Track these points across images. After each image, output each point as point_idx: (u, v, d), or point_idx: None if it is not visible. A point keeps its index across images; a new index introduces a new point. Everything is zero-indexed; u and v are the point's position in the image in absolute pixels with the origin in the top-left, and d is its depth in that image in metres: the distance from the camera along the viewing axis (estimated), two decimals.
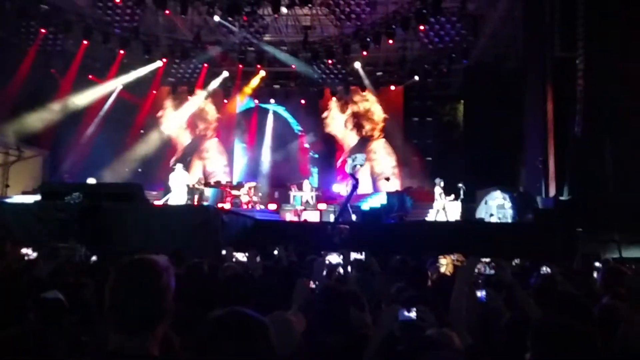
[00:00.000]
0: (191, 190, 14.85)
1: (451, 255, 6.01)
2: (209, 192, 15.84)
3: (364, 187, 18.14)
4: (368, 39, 15.77)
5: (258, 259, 4.70)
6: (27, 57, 15.56)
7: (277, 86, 19.65)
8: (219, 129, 20.33)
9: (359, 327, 2.63)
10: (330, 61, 17.59)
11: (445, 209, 13.94)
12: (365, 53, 16.45)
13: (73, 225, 7.97)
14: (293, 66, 18.13)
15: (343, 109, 19.72)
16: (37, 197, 10.23)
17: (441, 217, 13.92)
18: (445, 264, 5.93)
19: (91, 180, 13.19)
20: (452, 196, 13.90)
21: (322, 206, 15.35)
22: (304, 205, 15.39)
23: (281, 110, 20.15)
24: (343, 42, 16.36)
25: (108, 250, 6.09)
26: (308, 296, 2.65)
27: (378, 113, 19.65)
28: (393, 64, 18.51)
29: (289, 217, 14.82)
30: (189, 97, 19.62)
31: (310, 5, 14.30)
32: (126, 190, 10.32)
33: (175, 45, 17.52)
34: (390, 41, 15.54)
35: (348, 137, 19.74)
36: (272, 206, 15.90)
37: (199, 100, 19.64)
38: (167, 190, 14.84)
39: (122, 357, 1.41)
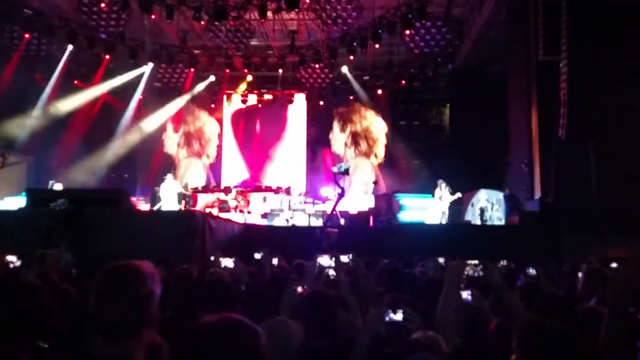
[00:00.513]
0: (180, 197, 14.80)
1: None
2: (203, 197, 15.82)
3: (354, 191, 18.19)
4: (355, 44, 15.84)
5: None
6: (10, 62, 15.38)
7: (264, 90, 19.65)
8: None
9: (347, 330, 2.63)
10: (317, 65, 17.64)
11: (449, 209, 13.98)
12: (352, 57, 16.52)
13: (58, 231, 7.88)
14: (280, 71, 18.16)
15: (343, 129, 19.61)
16: (22, 204, 10.11)
17: (439, 218, 13.96)
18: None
19: (57, 186, 13.00)
20: (458, 195, 13.92)
21: (311, 210, 15.36)
22: (293, 209, 15.39)
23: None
24: (330, 46, 16.42)
25: (93, 257, 6.03)
26: (296, 301, 2.66)
27: (377, 130, 19.47)
28: (380, 68, 18.63)
29: (278, 222, 14.79)
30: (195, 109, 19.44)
31: (296, 9, 14.33)
32: (111, 196, 10.25)
33: (161, 49, 17.45)
34: (377, 46, 15.63)
35: (348, 156, 19.52)
36: (260, 211, 15.86)
37: (182, 101, 19.45)
38: (156, 198, 14.77)
39: None
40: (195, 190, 16.53)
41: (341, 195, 12.94)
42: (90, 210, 8.62)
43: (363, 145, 19.51)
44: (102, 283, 1.50)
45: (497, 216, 13.32)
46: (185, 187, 15.65)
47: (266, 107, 20.01)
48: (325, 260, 4.42)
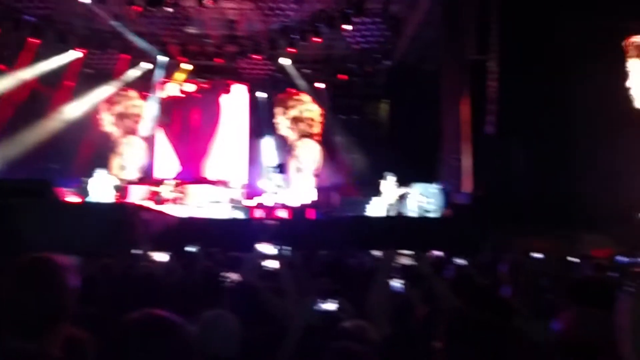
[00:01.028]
0: (114, 189, 14.25)
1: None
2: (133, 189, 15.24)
3: (304, 172, 18.21)
4: (295, 36, 15.82)
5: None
6: None
7: (202, 80, 19.21)
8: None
9: (285, 319, 2.65)
10: (257, 57, 17.47)
11: (396, 202, 14.18)
12: (292, 50, 16.48)
13: None
14: (219, 60, 17.82)
15: (284, 113, 19.64)
16: None
17: (385, 211, 14.20)
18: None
19: None
20: (404, 188, 14.18)
21: (251, 203, 15.25)
22: (232, 201, 15.21)
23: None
24: (270, 38, 16.31)
25: (14, 253, 5.69)
26: (226, 293, 2.64)
27: (314, 111, 19.73)
28: (320, 62, 18.70)
29: (216, 214, 14.56)
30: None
31: None
32: (33, 187, 9.63)
33: (93, 34, 16.65)
34: (317, 39, 15.68)
35: (292, 138, 19.72)
36: (198, 203, 15.53)
37: (110, 89, 18.67)
38: (85, 189, 14.11)
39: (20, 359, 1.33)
40: (128, 182, 15.95)
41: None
42: (9, 202, 8.08)
43: (302, 126, 19.72)
44: (14, 277, 1.42)
45: (431, 209, 13.80)
46: (118, 178, 15.08)
47: (204, 97, 19.58)
48: (265, 248, 4.42)
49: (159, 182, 16.11)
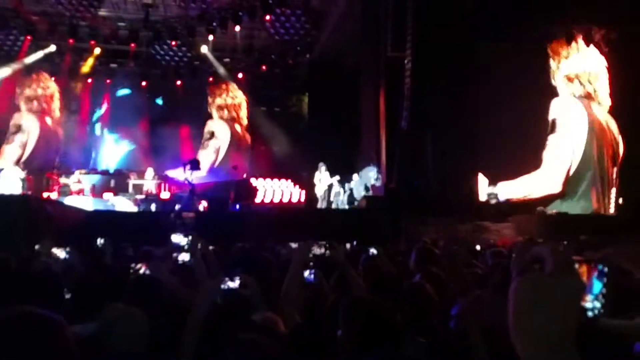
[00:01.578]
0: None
1: None
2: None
3: (211, 175, 17.85)
4: (214, 24, 15.45)
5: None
6: None
7: (114, 65, 18.23)
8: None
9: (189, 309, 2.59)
10: (173, 43, 16.86)
11: (325, 192, 14.22)
12: (211, 37, 16.09)
13: None
14: (132, 45, 17.02)
15: (212, 100, 19.23)
16: None
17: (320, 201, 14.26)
18: None
19: None
20: (336, 178, 14.25)
21: (165, 195, 14.73)
22: (146, 194, 14.63)
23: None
24: (188, 24, 15.80)
25: None
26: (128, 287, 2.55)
27: (239, 98, 19.48)
28: (240, 51, 18.42)
29: (127, 207, 13.94)
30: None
31: None
32: None
33: None
34: (237, 28, 15.41)
35: (216, 125, 19.33)
36: (108, 195, 14.74)
37: (10, 70, 17.23)
38: None
39: None
40: (31, 172, 14.82)
41: (192, 192, 12.52)
42: None
43: (227, 113, 19.49)
44: None
45: (348, 200, 14.13)
46: (18, 167, 13.98)
47: (115, 82, 18.61)
48: (179, 238, 4.29)
49: (66, 173, 15.13)
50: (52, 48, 17.35)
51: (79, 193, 14.47)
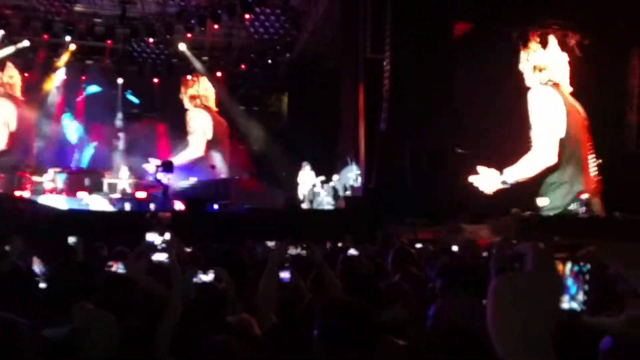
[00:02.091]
0: None
1: None
2: None
3: (190, 172, 17.66)
4: (193, 21, 15.30)
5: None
6: None
7: (89, 62, 17.90)
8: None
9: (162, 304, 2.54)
10: (151, 40, 16.63)
11: (310, 192, 14.15)
12: (189, 35, 15.93)
13: None
14: (109, 42, 16.74)
15: (184, 92, 19.04)
16: None
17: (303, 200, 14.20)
18: None
19: None
20: (321, 178, 14.19)
21: (141, 194, 14.49)
22: (121, 193, 14.39)
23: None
24: (166, 21, 15.60)
25: None
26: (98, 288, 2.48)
27: (210, 89, 19.35)
28: (219, 49, 18.29)
29: (103, 206, 13.68)
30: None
31: None
32: None
33: None
34: (216, 26, 15.29)
35: (193, 115, 19.21)
36: (82, 194, 14.45)
37: None
38: None
39: None
40: (2, 171, 14.44)
41: (165, 193, 12.35)
42: None
43: (198, 101, 19.31)
44: None
45: (327, 201, 14.12)
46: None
47: (91, 79, 18.26)
48: (153, 237, 4.21)
49: (39, 171, 14.79)
50: (26, 43, 16.95)
51: (53, 192, 14.17)
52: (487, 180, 13.15)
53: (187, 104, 19.24)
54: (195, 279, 2.44)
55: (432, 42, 12.46)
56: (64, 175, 14.86)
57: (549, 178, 13.74)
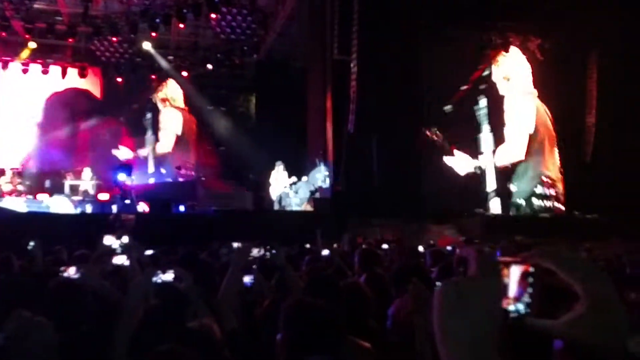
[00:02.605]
0: None
1: None
2: None
3: (154, 173, 17.36)
4: (157, 20, 15.03)
5: None
6: None
7: (50, 61, 17.38)
8: None
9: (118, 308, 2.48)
10: (114, 39, 16.26)
11: (282, 192, 14.03)
12: (154, 34, 15.64)
13: None
14: (71, 40, 16.28)
15: (155, 94, 18.76)
16: None
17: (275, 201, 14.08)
18: None
19: None
20: (294, 178, 14.10)
21: (104, 196, 14.14)
22: (83, 195, 14.00)
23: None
24: (129, 20, 15.27)
25: None
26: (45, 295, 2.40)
27: (178, 91, 19.04)
28: (185, 49, 18.03)
29: (65, 208, 13.28)
30: None
31: None
32: None
33: None
34: (182, 25, 15.07)
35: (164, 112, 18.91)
36: (43, 196, 14.01)
37: None
38: None
39: None
40: None
41: (124, 197, 12.05)
42: None
43: (168, 103, 19.04)
44: None
45: (295, 202, 14.10)
46: None
47: (53, 80, 17.73)
48: (110, 240, 4.11)
49: None
50: None
51: (12, 194, 13.69)
52: (461, 163, 14.12)
53: (159, 104, 18.95)
54: (155, 279, 2.38)
55: (399, 44, 12.61)
56: (23, 177, 14.38)
57: (519, 167, 14.85)
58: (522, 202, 14.51)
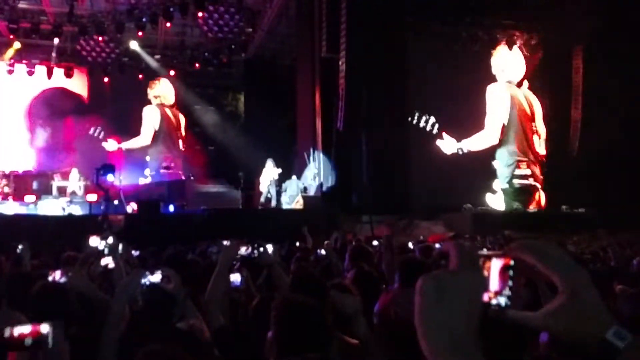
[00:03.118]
0: None
1: None
2: None
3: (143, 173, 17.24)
4: (144, 19, 14.92)
5: None
6: None
7: (35, 61, 17.18)
8: None
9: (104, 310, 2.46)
10: (100, 38, 16.11)
11: (272, 191, 13.96)
12: (141, 33, 15.52)
13: None
14: (56, 40, 16.11)
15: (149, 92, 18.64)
16: None
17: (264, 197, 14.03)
18: None
19: None
20: (279, 170, 14.03)
21: (92, 197, 14.01)
22: (70, 196, 13.87)
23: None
24: (116, 19, 15.14)
25: None
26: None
27: (171, 89, 18.93)
28: (172, 48, 17.93)
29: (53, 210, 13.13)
30: None
31: None
32: None
33: None
34: (168, 24, 14.97)
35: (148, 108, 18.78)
36: (30, 198, 13.85)
37: None
38: None
39: None
40: None
41: (107, 198, 11.92)
42: None
43: (160, 100, 18.95)
44: None
45: (286, 200, 14.08)
46: None
47: (38, 79, 17.53)
48: (96, 242, 4.07)
49: None
50: None
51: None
52: (447, 145, 15.46)
53: (152, 101, 18.85)
54: (142, 281, 2.36)
55: (386, 42, 12.64)
56: (9, 178, 14.22)
57: (498, 151, 16.43)
58: (505, 185, 16.09)
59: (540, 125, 16.68)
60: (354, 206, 11.29)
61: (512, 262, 0.84)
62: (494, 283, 0.83)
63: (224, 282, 2.95)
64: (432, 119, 14.61)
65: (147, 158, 17.04)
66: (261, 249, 3.46)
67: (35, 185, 14.68)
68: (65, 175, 14.43)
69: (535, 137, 16.73)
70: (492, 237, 7.71)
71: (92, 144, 16.59)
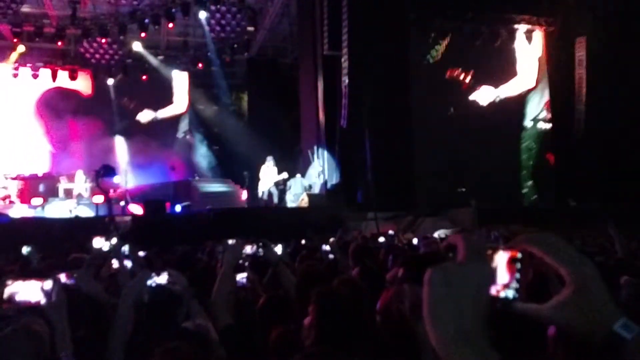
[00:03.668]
0: None
1: None
2: None
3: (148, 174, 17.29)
4: (146, 21, 14.96)
5: None
6: None
7: (40, 64, 17.25)
8: None
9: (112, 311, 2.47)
10: (103, 40, 16.16)
11: (273, 187, 13.93)
12: (144, 35, 15.57)
13: None
14: (60, 43, 16.17)
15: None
16: None
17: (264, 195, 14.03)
18: None
19: None
20: (284, 175, 14.00)
21: (99, 199, 14.07)
22: (77, 198, 13.94)
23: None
24: (118, 21, 15.19)
25: None
26: None
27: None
28: (175, 48, 17.96)
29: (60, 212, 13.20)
30: None
31: None
32: None
33: None
34: (171, 25, 15.01)
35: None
36: (37, 201, 13.92)
37: None
38: None
39: None
40: None
41: (108, 200, 11.95)
42: None
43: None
44: None
45: (290, 199, 14.09)
46: None
47: (40, 82, 17.60)
48: (100, 243, 4.09)
49: None
50: None
51: (5, 199, 13.63)
52: (485, 94, 16.10)
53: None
54: (149, 282, 2.38)
55: (389, 38, 12.61)
56: (16, 181, 14.30)
57: (528, 96, 16.97)
58: (530, 123, 16.80)
59: None
60: (359, 203, 11.27)
61: (519, 255, 0.84)
62: (502, 275, 0.83)
63: (229, 281, 2.95)
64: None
65: None
66: (266, 248, 3.47)
67: (41, 188, 14.76)
68: (71, 178, 14.50)
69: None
70: (497, 231, 7.68)
71: (97, 146, 16.65)
